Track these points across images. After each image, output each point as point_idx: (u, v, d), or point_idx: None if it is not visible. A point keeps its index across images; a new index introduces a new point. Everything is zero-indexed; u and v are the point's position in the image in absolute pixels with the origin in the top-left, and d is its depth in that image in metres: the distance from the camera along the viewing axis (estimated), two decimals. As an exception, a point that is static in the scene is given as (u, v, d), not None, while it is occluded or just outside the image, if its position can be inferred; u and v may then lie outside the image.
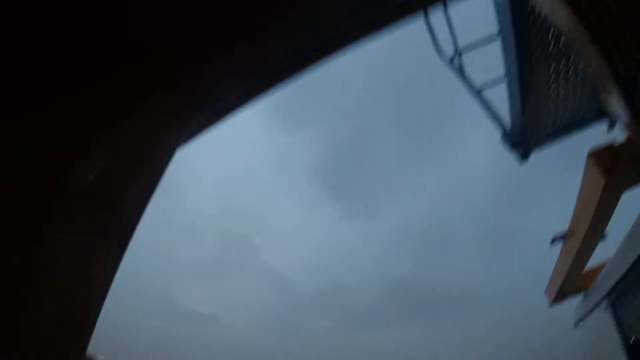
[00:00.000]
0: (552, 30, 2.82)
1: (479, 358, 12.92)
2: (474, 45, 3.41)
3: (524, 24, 2.79)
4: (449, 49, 3.44)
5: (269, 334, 16.22)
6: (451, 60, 3.45)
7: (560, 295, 4.21)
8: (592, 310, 4.02)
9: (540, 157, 3.67)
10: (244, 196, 19.15)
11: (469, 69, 3.44)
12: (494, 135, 3.57)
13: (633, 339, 3.40)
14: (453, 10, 3.06)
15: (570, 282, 3.99)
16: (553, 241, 3.66)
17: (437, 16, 3.17)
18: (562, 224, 3.63)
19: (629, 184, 2.85)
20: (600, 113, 3.36)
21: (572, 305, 4.38)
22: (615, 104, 2.26)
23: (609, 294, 3.62)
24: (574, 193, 3.28)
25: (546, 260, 4.22)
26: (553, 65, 3.06)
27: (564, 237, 3.60)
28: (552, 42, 2.92)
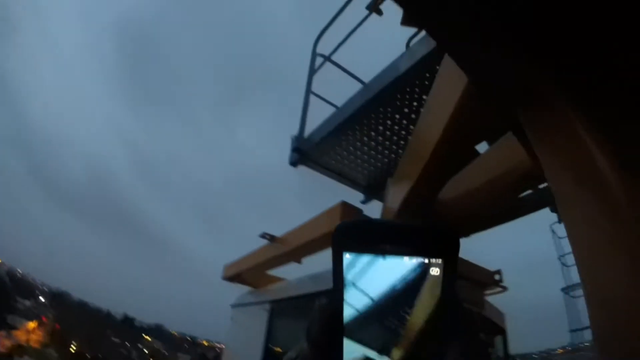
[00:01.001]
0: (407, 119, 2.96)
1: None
2: (345, 71, 3.41)
3: (399, 91, 2.76)
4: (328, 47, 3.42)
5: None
6: (318, 55, 3.46)
7: (234, 278, 4.25)
8: (252, 304, 4.23)
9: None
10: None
11: (322, 74, 3.46)
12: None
13: (271, 349, 3.63)
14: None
15: (251, 273, 4.11)
16: (263, 236, 3.59)
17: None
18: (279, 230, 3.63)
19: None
20: (369, 188, 3.68)
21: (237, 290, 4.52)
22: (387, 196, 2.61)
23: (272, 302, 3.82)
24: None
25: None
26: (377, 134, 3.15)
27: (272, 239, 3.57)
28: (397, 123, 3.03)
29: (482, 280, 3.26)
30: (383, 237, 0.46)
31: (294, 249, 3.27)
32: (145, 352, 61.31)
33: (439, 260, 0.45)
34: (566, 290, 5.94)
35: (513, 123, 1.45)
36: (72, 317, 55.97)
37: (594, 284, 0.79)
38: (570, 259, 6.09)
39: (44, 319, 51.77)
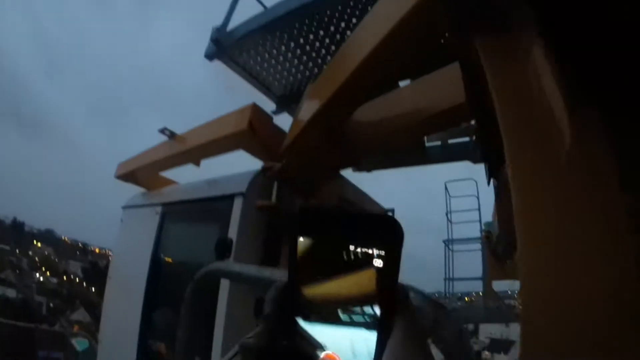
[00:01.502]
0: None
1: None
2: None
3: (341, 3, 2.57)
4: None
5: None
6: None
7: (128, 176, 3.91)
8: (143, 206, 3.95)
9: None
10: None
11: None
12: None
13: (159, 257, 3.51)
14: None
15: (145, 173, 3.78)
16: (162, 131, 3.28)
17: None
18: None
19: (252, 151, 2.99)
20: (283, 99, 3.52)
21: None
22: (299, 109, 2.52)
23: (164, 205, 3.63)
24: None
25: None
26: (306, 42, 2.94)
27: (172, 136, 3.28)
28: (330, 36, 2.84)
29: (373, 214, 3.44)
30: (335, 225, 0.50)
31: (195, 147, 3.04)
32: (35, 260, 57.14)
33: (383, 252, 0.49)
34: (447, 243, 6.72)
35: (462, 53, 1.37)
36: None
37: (530, 233, 0.78)
38: (455, 217, 6.86)
39: None
